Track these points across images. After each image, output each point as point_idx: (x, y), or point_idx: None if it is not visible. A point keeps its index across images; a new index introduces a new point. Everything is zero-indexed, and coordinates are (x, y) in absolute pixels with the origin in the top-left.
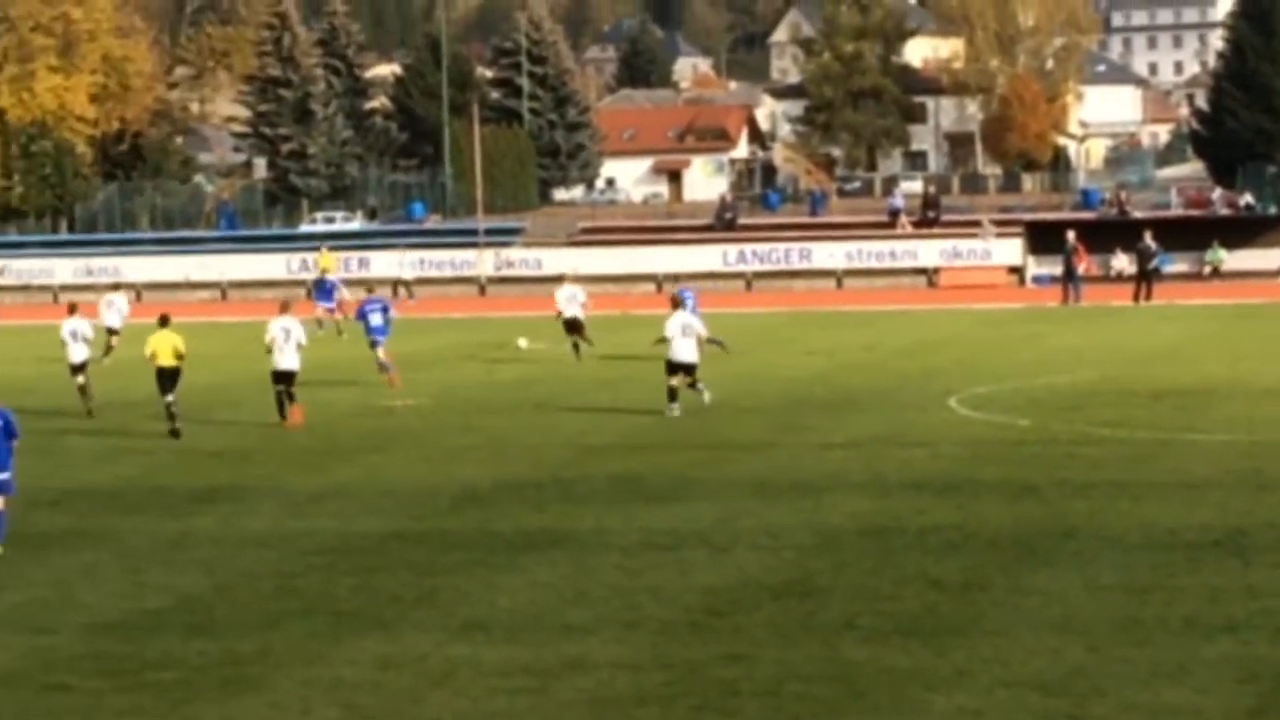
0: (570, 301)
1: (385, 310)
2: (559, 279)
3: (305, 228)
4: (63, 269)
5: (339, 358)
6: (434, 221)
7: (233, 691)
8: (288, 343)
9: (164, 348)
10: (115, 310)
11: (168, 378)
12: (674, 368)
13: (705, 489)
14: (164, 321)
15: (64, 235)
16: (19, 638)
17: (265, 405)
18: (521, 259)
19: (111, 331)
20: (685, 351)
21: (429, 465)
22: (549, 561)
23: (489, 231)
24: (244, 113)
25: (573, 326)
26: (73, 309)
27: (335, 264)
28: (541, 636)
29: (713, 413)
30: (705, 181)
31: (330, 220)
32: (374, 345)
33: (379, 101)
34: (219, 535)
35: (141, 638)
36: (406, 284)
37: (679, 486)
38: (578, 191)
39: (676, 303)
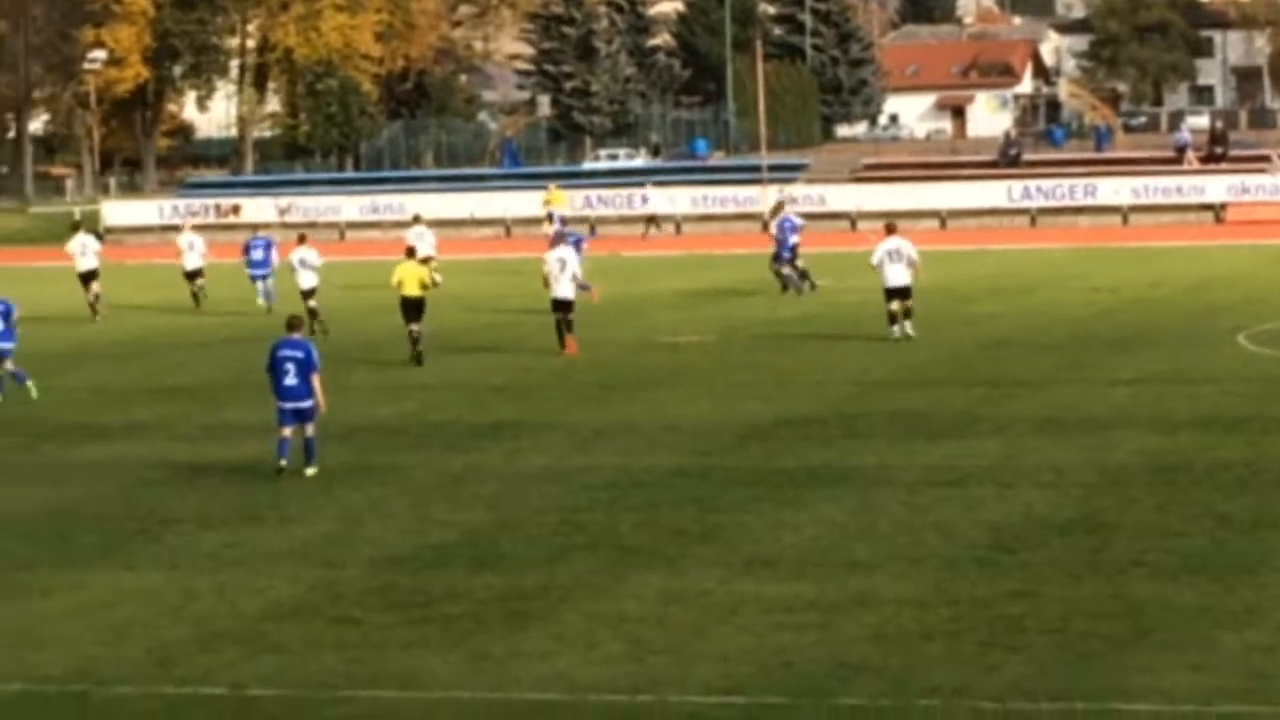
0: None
1: (579, 242)
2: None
3: (588, 165)
4: (349, 206)
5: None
6: (717, 158)
7: (517, 625)
8: (563, 273)
9: (410, 278)
10: (426, 242)
11: (413, 307)
12: (891, 293)
13: (990, 426)
14: (410, 253)
15: (350, 173)
16: (309, 571)
17: (548, 341)
18: (805, 195)
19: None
20: (897, 276)
21: (712, 401)
22: (833, 498)
23: (772, 168)
24: (527, 50)
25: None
26: (302, 239)
27: (565, 201)
28: (826, 572)
29: (997, 349)
30: (989, 117)
31: (613, 157)
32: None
33: (662, 38)
34: (503, 470)
35: (428, 572)
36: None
37: (963, 423)
38: (860, 128)
39: (890, 228)
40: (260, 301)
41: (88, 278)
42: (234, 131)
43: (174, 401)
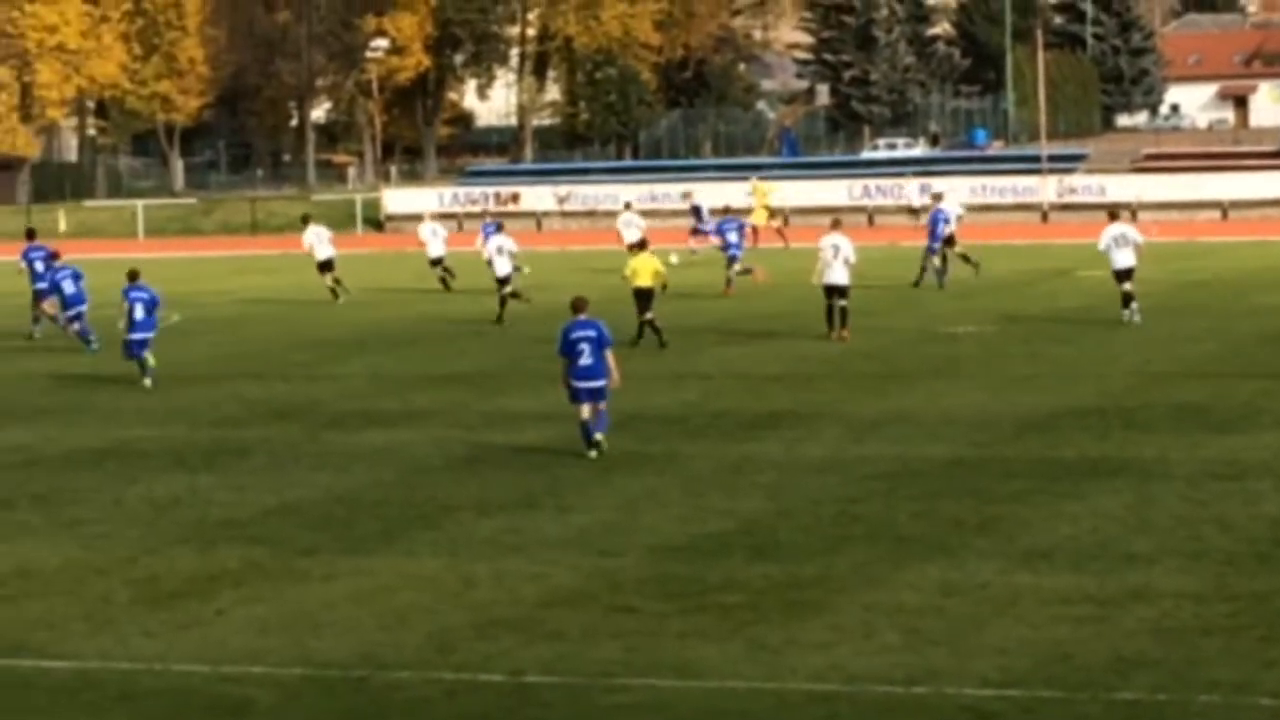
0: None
1: (740, 228)
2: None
3: (866, 154)
4: (627, 195)
5: (885, 278)
6: (995, 148)
7: (795, 614)
8: (836, 259)
9: (644, 269)
10: (635, 228)
11: (644, 297)
12: (1120, 275)
13: (1271, 418)
14: (643, 245)
15: (628, 161)
16: (587, 559)
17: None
18: (1085, 185)
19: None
20: (1124, 259)
21: (991, 391)
22: (1111, 490)
23: (1051, 158)
24: (806, 39)
25: None
26: (500, 227)
27: (768, 194)
28: (1104, 565)
29: (1279, 342)
30: (1272, 107)
31: (892, 147)
32: (731, 261)
33: (941, 28)
34: (781, 460)
35: (705, 561)
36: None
37: (1244, 415)
38: (1141, 117)
39: (1113, 215)
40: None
41: (325, 266)
42: (513, 120)
43: (452, 388)
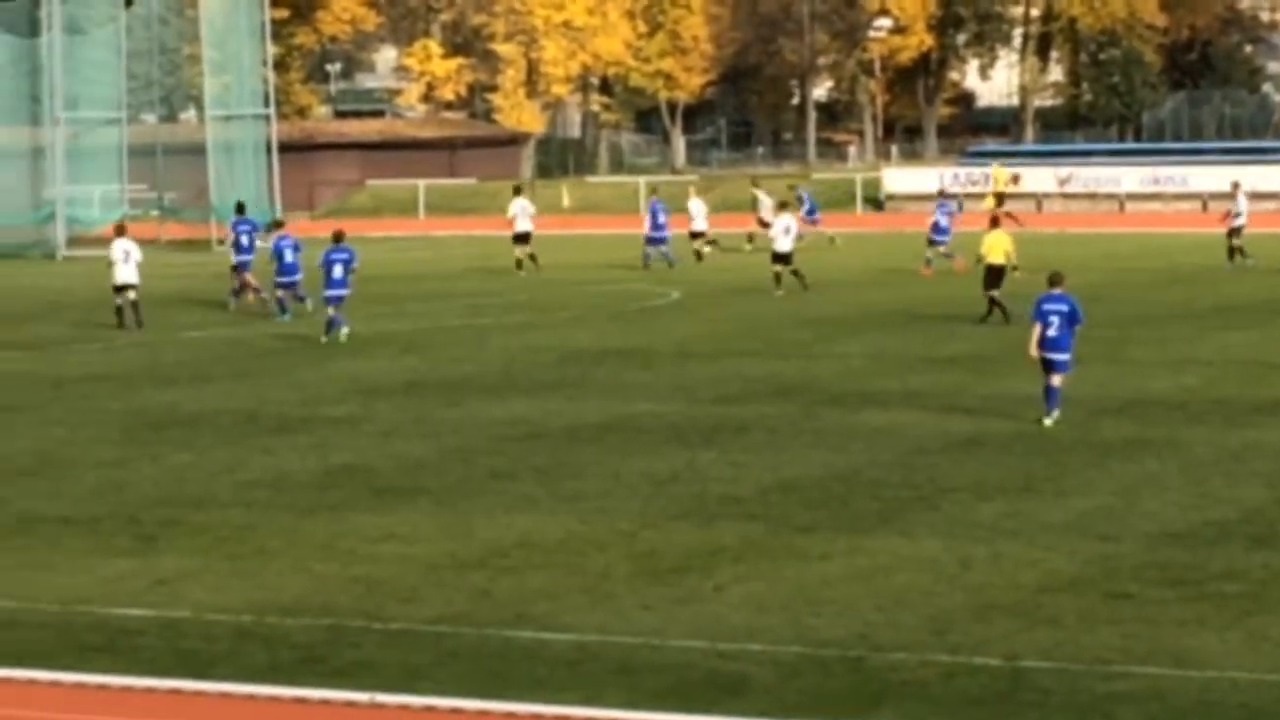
0: None
1: (951, 214)
2: None
3: None
4: (1129, 178)
5: None
6: None
7: None
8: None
9: (995, 248)
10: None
11: (993, 274)
12: None
13: None
14: (995, 223)
15: (1130, 144)
16: (1085, 544)
17: None
18: None
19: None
20: None
21: None
22: None
23: None
24: None
25: None
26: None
27: (1005, 179)
28: None
29: None
30: None
31: None
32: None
33: None
34: None
35: (1205, 548)
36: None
37: None
38: None
39: None
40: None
41: (521, 239)
42: (1015, 100)
43: (951, 370)
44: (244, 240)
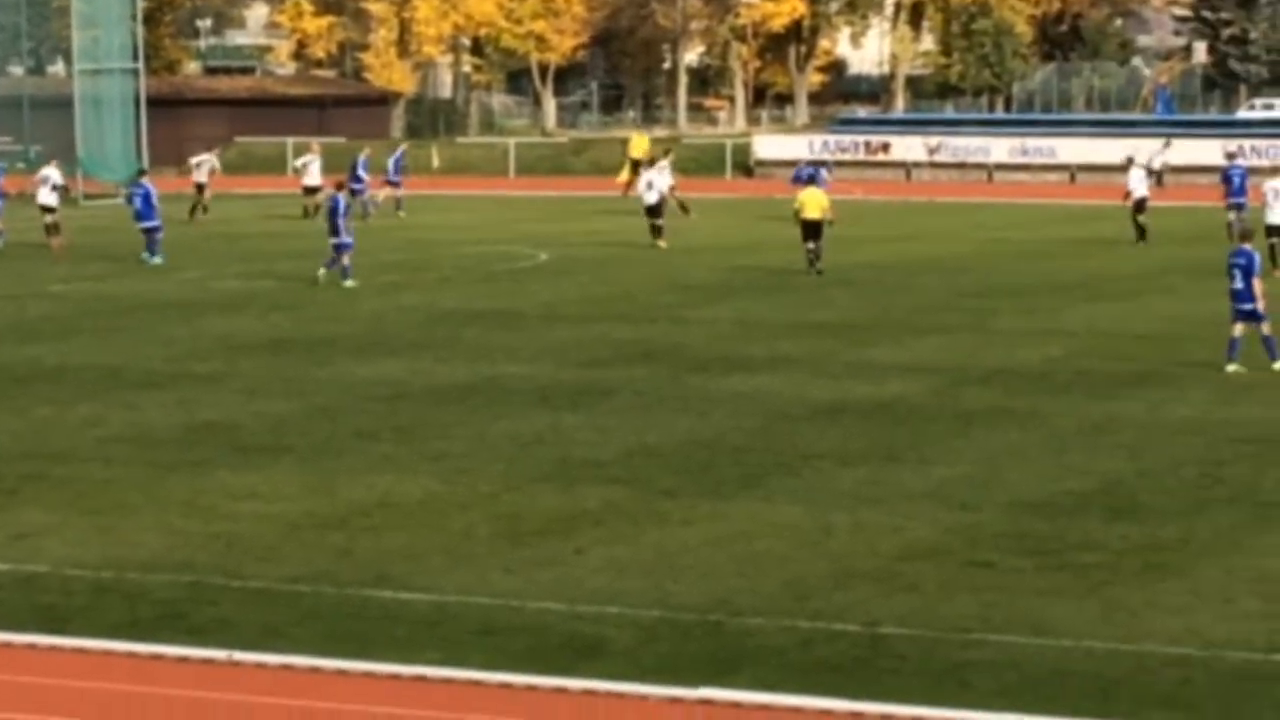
0: None
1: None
2: None
3: (1241, 114)
4: (998, 148)
5: None
6: None
7: (1154, 577)
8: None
9: (812, 203)
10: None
11: (811, 228)
12: (1270, 230)
13: None
14: (811, 180)
15: (1000, 114)
16: (946, 513)
17: (1195, 290)
18: None
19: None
20: (1276, 215)
21: None
22: None
23: None
24: None
25: None
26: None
27: (645, 148)
28: None
29: None
30: None
31: (1269, 107)
32: None
33: None
34: (1144, 420)
35: (1064, 519)
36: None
37: None
38: None
39: None
40: None
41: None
42: (886, 69)
43: (818, 337)
44: (139, 204)
